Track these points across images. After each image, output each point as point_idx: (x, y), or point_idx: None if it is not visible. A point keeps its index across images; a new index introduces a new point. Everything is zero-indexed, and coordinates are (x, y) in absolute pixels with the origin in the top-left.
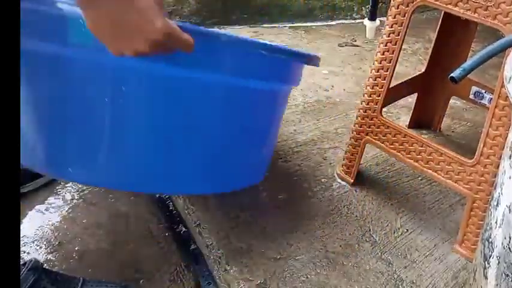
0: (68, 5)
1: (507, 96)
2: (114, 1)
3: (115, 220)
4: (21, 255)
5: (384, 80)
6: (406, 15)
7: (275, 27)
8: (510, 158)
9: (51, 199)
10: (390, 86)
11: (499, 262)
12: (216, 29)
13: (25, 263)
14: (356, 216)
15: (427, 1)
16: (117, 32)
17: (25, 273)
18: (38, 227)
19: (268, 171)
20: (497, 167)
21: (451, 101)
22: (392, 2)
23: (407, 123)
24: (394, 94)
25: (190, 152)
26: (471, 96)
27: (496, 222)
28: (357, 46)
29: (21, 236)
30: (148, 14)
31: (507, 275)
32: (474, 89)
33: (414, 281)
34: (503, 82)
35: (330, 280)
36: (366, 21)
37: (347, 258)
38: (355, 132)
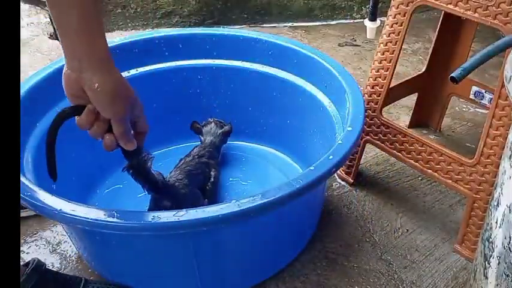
0: None
1: (507, 96)
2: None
3: None
4: (21, 255)
5: (384, 80)
6: (406, 15)
7: (275, 26)
8: (510, 158)
9: None
10: (390, 86)
11: (499, 262)
12: None
13: (28, 263)
14: (356, 216)
15: (427, 1)
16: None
17: (29, 272)
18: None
19: None
20: (498, 167)
21: (451, 101)
22: (392, 1)
23: (408, 123)
24: (394, 94)
25: None
26: (471, 96)
27: (496, 222)
28: (357, 46)
29: (21, 236)
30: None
31: (507, 275)
32: (474, 89)
33: (414, 281)
34: (503, 82)
35: (330, 280)
36: (367, 22)
37: (347, 258)
38: None
